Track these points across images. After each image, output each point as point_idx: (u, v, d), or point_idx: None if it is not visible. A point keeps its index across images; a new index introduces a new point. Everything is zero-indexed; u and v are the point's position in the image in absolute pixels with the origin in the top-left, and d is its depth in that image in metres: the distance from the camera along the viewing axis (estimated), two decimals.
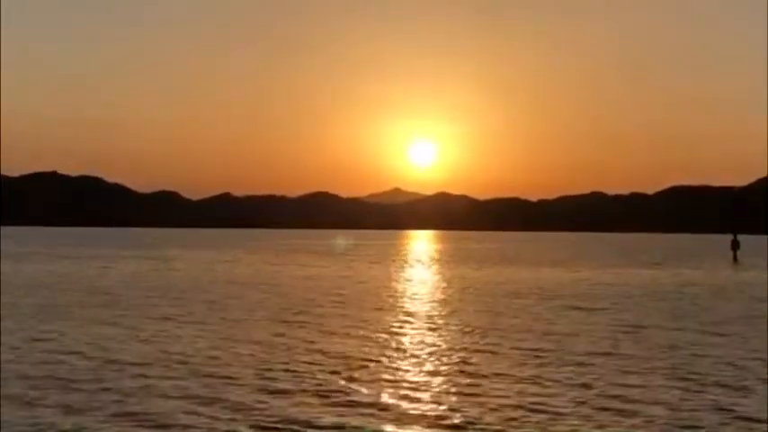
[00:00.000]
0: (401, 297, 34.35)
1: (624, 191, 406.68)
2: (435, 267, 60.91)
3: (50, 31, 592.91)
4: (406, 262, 70.15)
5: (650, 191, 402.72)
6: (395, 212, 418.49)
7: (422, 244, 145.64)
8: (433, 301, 32.44)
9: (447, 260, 75.12)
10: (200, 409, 13.20)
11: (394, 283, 42.66)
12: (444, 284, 42.47)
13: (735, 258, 73.87)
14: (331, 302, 31.26)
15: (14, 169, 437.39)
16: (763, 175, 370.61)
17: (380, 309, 29.10)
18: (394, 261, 71.55)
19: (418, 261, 71.91)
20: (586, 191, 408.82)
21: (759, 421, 12.87)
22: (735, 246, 75.69)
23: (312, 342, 20.59)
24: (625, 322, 25.36)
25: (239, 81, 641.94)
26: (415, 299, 33.63)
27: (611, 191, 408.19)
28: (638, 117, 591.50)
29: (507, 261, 73.06)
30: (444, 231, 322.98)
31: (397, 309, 29.23)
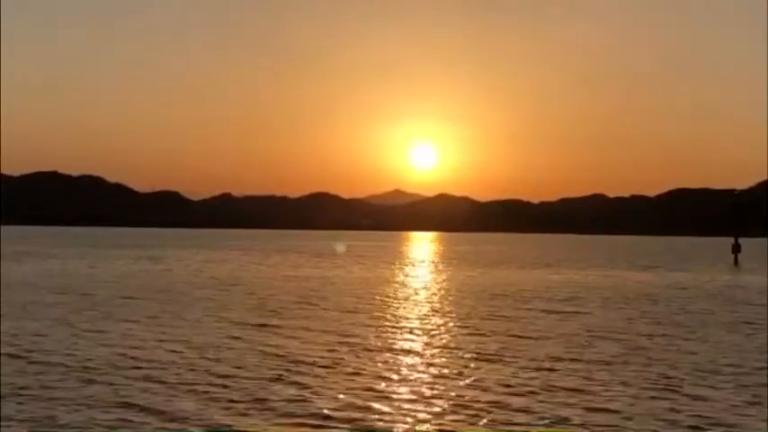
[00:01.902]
0: (377, 299, 33.99)
1: (625, 193, 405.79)
2: (422, 270, 60.56)
3: (52, 31, 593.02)
4: (394, 264, 69.77)
5: (651, 193, 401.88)
6: (396, 214, 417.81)
7: (417, 246, 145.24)
8: (408, 304, 32.11)
9: (436, 262, 74.77)
10: (96, 411, 12.93)
11: (375, 285, 42.31)
12: (425, 286, 42.14)
13: (736, 261, 73.12)
14: (303, 304, 30.92)
15: (15, 169, 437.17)
16: (764, 177, 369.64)
17: (351, 311, 28.74)
18: (384, 263, 71.19)
19: (407, 263, 71.50)
20: (588, 193, 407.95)
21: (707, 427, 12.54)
22: (736, 249, 75.01)
23: (263, 344, 20.25)
24: (601, 326, 24.93)
25: (241, 82, 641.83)
26: (390, 301, 33.29)
27: (613, 193, 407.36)
28: (639, 119, 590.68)
29: (499, 263, 72.67)
30: (445, 233, 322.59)
31: (367, 311, 28.85)
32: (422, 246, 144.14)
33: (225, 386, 15.05)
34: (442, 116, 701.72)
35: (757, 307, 31.85)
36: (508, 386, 15.33)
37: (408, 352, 19.40)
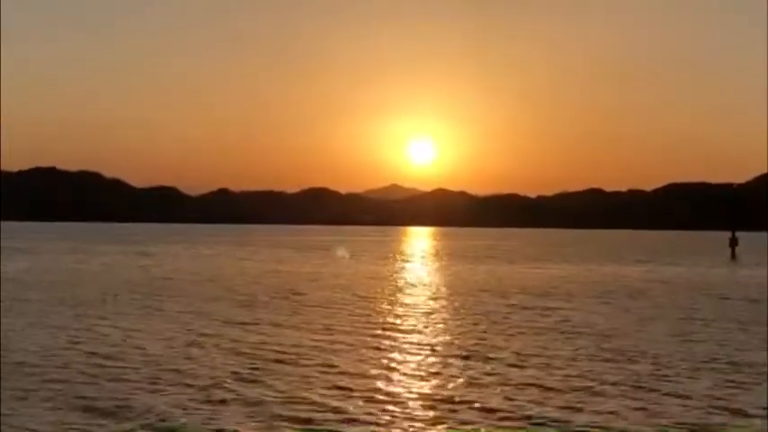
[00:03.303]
0: (356, 295, 33.74)
1: (622, 188, 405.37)
2: (407, 264, 60.29)
3: (50, 28, 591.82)
4: (383, 259, 69.53)
5: (648, 188, 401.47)
6: (393, 209, 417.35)
7: (411, 241, 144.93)
8: (387, 299, 31.89)
9: (426, 257, 74.56)
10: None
11: (358, 281, 42.10)
12: (406, 281, 41.94)
13: (733, 255, 73.05)
14: (279, 299, 30.73)
15: (14, 164, 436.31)
16: (762, 172, 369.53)
17: (321, 305, 28.50)
18: (373, 258, 70.98)
19: (396, 258, 71.19)
20: (585, 187, 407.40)
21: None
22: (733, 243, 75.06)
23: (229, 339, 20.08)
24: (575, 321, 24.78)
25: (239, 79, 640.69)
26: (369, 297, 33.00)
27: (610, 188, 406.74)
28: (636, 114, 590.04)
29: (489, 258, 72.44)
30: (442, 228, 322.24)
31: (343, 307, 28.58)
32: (416, 241, 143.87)
33: (183, 383, 14.85)
34: (439, 111, 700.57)
35: (749, 302, 31.58)
36: (480, 383, 15.17)
37: (377, 349, 19.21)
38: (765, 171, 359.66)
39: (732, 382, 15.54)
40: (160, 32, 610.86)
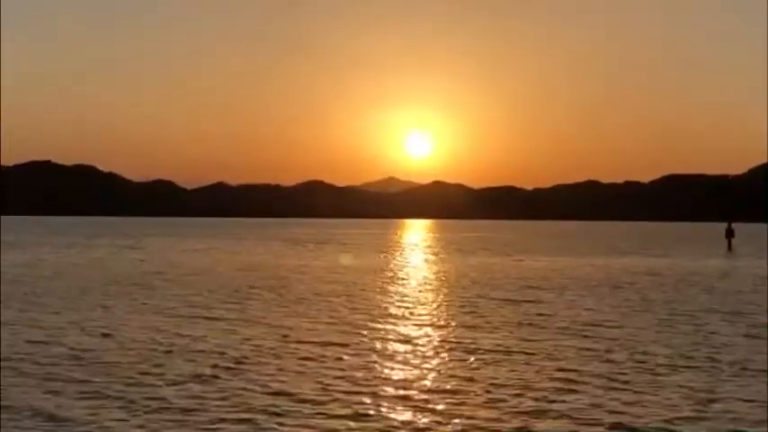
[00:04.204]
0: (334, 289, 33.13)
1: (619, 179, 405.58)
2: (393, 257, 59.59)
3: (47, 21, 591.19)
4: (373, 252, 68.99)
5: (645, 179, 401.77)
6: (390, 201, 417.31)
7: (405, 233, 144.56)
8: (361, 293, 31.27)
9: (417, 249, 74.09)
10: None
11: (339, 275, 41.50)
12: (388, 275, 41.31)
13: (729, 247, 72.81)
14: (254, 294, 30.14)
15: (9, 158, 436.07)
16: (758, 163, 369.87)
17: (296, 301, 27.87)
18: (364, 251, 70.46)
19: (386, 251, 70.57)
20: (581, 179, 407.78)
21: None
22: (729, 234, 74.92)
23: (176, 334, 19.48)
24: (556, 313, 24.21)
25: (234, 72, 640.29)
26: (348, 291, 32.38)
27: (606, 179, 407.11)
28: (632, 106, 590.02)
29: (483, 250, 71.91)
30: (439, 220, 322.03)
31: (316, 302, 27.89)
32: (412, 233, 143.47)
33: (128, 384, 14.24)
34: (436, 104, 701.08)
35: (738, 293, 30.99)
36: (454, 375, 14.57)
37: (344, 345, 18.58)
38: (762, 162, 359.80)
39: (709, 375, 14.96)
40: (157, 27, 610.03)
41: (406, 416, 12.14)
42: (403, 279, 38.42)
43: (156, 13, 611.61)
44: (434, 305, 26.83)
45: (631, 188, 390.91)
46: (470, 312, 24.61)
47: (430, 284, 35.35)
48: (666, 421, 11.89)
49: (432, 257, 59.56)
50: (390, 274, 41.15)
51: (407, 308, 25.87)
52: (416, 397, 13.28)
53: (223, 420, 11.86)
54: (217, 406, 12.61)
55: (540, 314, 24.20)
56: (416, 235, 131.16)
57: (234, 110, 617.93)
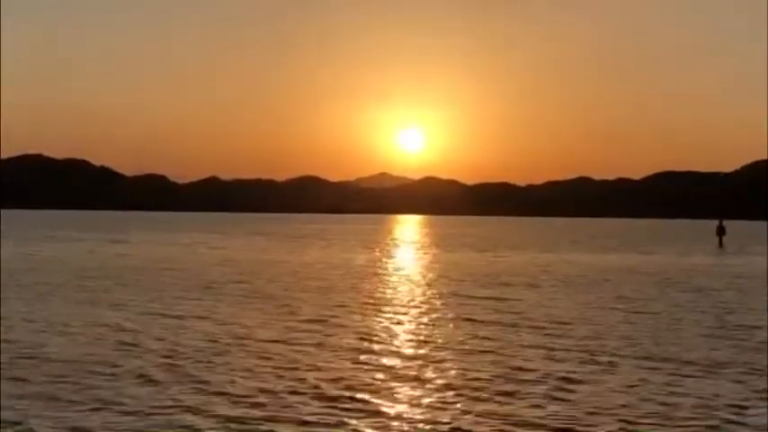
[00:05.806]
0: (307, 285, 32.83)
1: (611, 176, 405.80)
2: (375, 253, 59.20)
3: (38, 14, 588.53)
4: (357, 247, 68.68)
5: (637, 176, 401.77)
6: (383, 197, 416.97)
7: (397, 229, 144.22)
8: (331, 288, 30.96)
9: (397, 245, 73.81)
10: None
11: (317, 270, 41.20)
12: (369, 270, 41.03)
13: (720, 244, 72.74)
14: (230, 286, 29.85)
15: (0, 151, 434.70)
16: (751, 160, 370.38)
17: (263, 298, 27.58)
18: (348, 246, 70.15)
19: (367, 247, 70.15)
20: (573, 176, 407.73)
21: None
22: (720, 231, 74.87)
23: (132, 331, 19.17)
24: (526, 311, 23.92)
25: (228, 66, 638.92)
26: (312, 287, 32.04)
27: (598, 176, 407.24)
28: (624, 103, 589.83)
29: (462, 246, 71.66)
30: (431, 216, 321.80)
31: (279, 296, 27.57)
32: (403, 229, 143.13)
33: (73, 382, 13.92)
34: (429, 100, 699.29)
35: (720, 291, 30.66)
36: (416, 376, 14.28)
37: (308, 344, 18.26)
38: (755, 159, 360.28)
39: (671, 375, 14.69)
40: (150, 21, 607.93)
41: (355, 420, 11.85)
42: (379, 275, 38.12)
43: (149, 6, 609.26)
44: (404, 301, 26.55)
45: (623, 185, 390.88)
46: (436, 309, 24.34)
47: (405, 280, 35.07)
48: (624, 422, 11.60)
49: (414, 253, 59.32)
50: (369, 270, 40.84)
51: (373, 304, 25.58)
52: (363, 398, 12.99)
53: (169, 425, 11.55)
54: (153, 407, 12.30)
55: (501, 311, 23.93)
56: (405, 231, 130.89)
57: (227, 105, 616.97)
